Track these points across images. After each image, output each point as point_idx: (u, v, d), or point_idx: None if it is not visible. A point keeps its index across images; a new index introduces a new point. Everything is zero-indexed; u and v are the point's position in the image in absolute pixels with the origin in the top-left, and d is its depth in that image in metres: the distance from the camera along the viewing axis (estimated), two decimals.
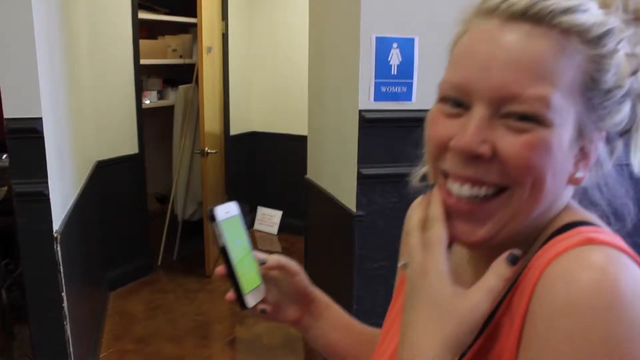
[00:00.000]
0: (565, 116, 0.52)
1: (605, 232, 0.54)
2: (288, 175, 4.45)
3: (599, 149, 0.56)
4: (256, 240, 4.53)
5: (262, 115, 4.62)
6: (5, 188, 2.62)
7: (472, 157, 0.53)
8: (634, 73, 0.54)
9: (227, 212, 0.74)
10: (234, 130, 4.41)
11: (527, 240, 0.57)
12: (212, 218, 0.71)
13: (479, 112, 0.53)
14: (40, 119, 1.97)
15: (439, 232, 0.56)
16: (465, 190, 0.55)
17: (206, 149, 3.67)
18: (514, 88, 0.51)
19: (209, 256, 3.72)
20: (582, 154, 0.56)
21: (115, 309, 3.33)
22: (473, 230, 0.56)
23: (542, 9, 0.52)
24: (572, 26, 0.52)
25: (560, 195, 0.57)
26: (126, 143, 3.62)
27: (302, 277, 0.78)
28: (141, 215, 3.76)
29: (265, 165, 4.65)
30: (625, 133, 0.57)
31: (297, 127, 4.36)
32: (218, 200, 4.07)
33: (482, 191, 0.55)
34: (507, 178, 0.53)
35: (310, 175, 2.92)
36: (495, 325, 0.55)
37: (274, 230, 4.60)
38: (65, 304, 2.12)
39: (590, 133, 0.55)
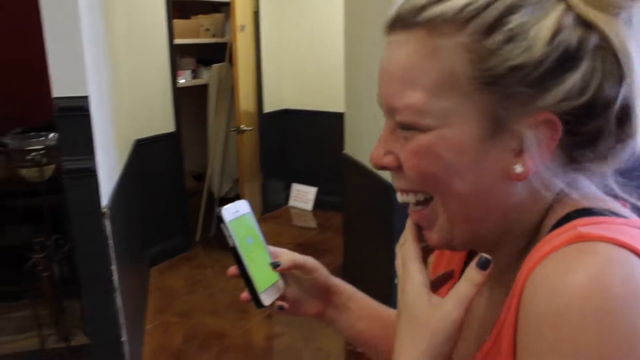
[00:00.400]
0: (452, 114, 0.49)
1: (610, 223, 0.47)
2: (322, 152, 4.46)
3: (539, 137, 0.48)
4: (291, 216, 4.58)
5: (293, 93, 4.62)
6: (53, 166, 2.69)
7: (384, 169, 0.55)
8: (553, 38, 0.46)
9: (236, 211, 0.72)
10: (267, 108, 4.43)
11: (524, 236, 0.54)
12: (220, 219, 0.69)
13: (385, 125, 0.55)
14: (88, 97, 2.01)
15: (409, 248, 0.57)
16: (399, 197, 0.57)
17: (241, 126, 3.70)
18: (391, 101, 0.52)
19: None
20: (520, 147, 0.49)
21: (157, 284, 3.42)
22: (430, 235, 0.57)
23: (403, 13, 0.50)
24: (432, 19, 0.48)
25: (510, 193, 0.51)
26: (163, 122, 3.67)
27: (321, 272, 0.76)
28: (179, 193, 3.83)
29: (299, 143, 4.67)
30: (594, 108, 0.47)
31: (328, 104, 4.36)
32: (253, 177, 4.12)
33: (411, 198, 0.55)
34: (415, 185, 0.54)
35: (348, 150, 2.93)
36: (500, 327, 0.52)
37: (309, 206, 4.64)
38: (114, 277, 2.19)
39: (515, 123, 0.48)
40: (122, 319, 2.25)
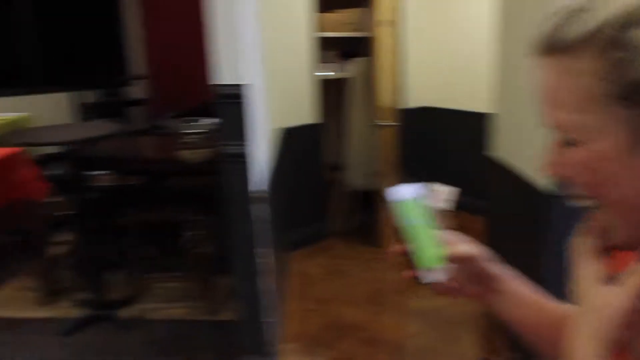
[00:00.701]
0: (596, 129, 0.51)
1: None
2: (463, 152, 4.30)
3: None
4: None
5: (435, 91, 4.49)
6: (205, 150, 2.86)
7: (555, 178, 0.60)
8: None
9: (408, 193, 0.76)
10: (408, 105, 4.36)
11: None
12: (389, 197, 0.74)
13: (553, 139, 0.58)
14: (246, 85, 2.09)
15: (584, 243, 0.61)
16: (577, 201, 0.60)
17: (381, 121, 3.68)
18: (547, 119, 0.57)
19: (381, 228, 3.75)
20: None
21: (295, 269, 3.51)
22: (608, 236, 0.59)
23: (540, 41, 0.54)
24: (563, 43, 0.52)
25: None
26: (306, 113, 3.78)
27: (483, 260, 0.80)
28: (318, 182, 3.92)
29: (439, 141, 4.54)
30: None
31: (470, 103, 4.19)
32: (391, 172, 4.08)
33: (588, 203, 0.58)
34: (581, 193, 0.57)
35: (498, 153, 2.77)
36: None
37: (449, 207, 4.47)
38: (262, 260, 2.27)
39: None
40: (265, 301, 2.33)
